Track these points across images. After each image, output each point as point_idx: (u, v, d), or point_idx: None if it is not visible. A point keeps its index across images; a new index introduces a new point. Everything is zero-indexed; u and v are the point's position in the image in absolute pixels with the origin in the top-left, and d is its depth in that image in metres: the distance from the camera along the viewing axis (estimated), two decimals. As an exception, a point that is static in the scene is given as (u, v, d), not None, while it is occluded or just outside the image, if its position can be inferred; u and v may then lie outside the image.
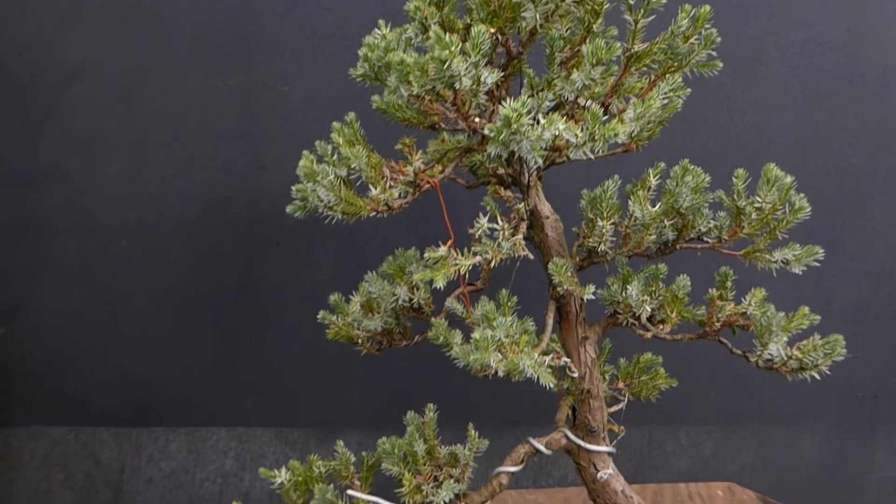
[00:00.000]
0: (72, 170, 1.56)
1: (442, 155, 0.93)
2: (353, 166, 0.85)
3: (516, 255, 0.85)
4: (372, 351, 1.06)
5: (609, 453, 0.99)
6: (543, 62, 0.89)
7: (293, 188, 0.86)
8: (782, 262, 0.88)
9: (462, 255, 0.81)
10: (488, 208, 0.87)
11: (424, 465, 0.97)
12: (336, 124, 0.90)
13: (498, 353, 0.81)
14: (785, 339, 0.93)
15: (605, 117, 0.72)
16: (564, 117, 0.72)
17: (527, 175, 0.93)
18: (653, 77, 0.88)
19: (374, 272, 1.01)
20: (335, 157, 0.89)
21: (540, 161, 0.71)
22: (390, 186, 0.86)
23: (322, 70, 1.55)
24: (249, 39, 1.54)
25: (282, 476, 1.01)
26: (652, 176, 0.91)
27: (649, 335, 0.94)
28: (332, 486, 0.97)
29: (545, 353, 0.85)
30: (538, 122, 0.68)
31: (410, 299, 1.00)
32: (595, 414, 0.97)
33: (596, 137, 0.69)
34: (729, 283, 0.97)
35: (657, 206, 0.90)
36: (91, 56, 1.54)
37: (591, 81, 0.79)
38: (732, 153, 1.61)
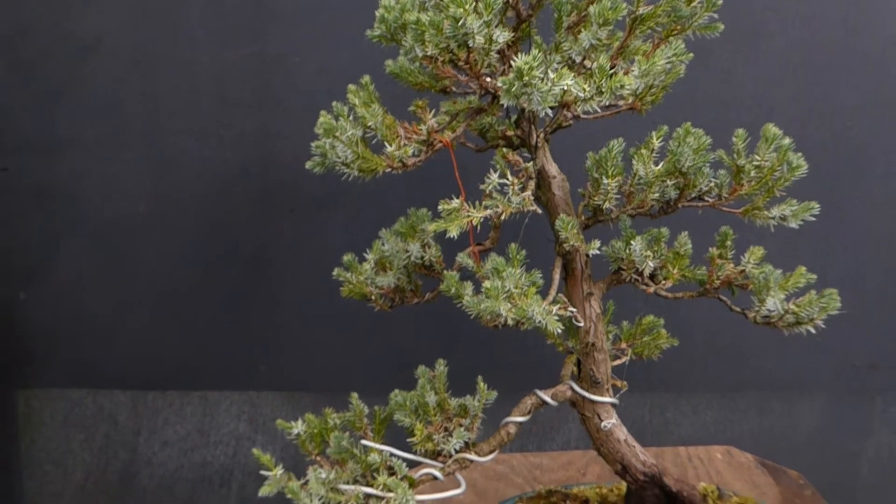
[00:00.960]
0: (90, 138, 1.60)
1: (453, 116, 0.97)
2: (369, 125, 0.89)
3: (525, 210, 0.89)
4: (385, 307, 1.09)
5: (612, 404, 1.03)
6: (551, 27, 0.93)
7: (313, 144, 0.90)
8: (780, 217, 0.91)
9: (474, 207, 0.85)
10: (498, 166, 0.91)
11: (435, 416, 1.01)
12: (352, 86, 0.93)
13: (507, 303, 0.84)
14: (782, 295, 0.96)
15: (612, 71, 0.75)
16: (573, 74, 0.75)
17: (535, 136, 0.97)
18: (656, 40, 0.92)
19: (387, 229, 1.05)
20: (351, 117, 0.93)
21: (549, 111, 0.75)
22: (404, 144, 0.90)
23: (334, 42, 1.58)
24: (262, 11, 1.57)
25: (298, 427, 1.05)
26: (655, 138, 0.95)
27: (651, 290, 0.98)
28: (347, 433, 1.01)
29: (552, 304, 0.89)
30: (548, 77, 0.71)
31: (422, 257, 1.04)
32: (599, 367, 1.01)
33: (603, 90, 0.73)
34: (728, 243, 1.01)
35: (660, 166, 0.94)
36: (108, 27, 1.58)
37: (598, 41, 0.83)
38: (732, 126, 1.63)
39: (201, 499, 1.76)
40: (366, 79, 0.95)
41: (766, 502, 1.23)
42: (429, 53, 0.85)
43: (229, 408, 1.73)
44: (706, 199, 0.97)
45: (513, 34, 0.85)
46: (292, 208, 1.63)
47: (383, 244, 1.05)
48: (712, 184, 0.96)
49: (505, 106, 0.96)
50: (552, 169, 0.99)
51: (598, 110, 0.77)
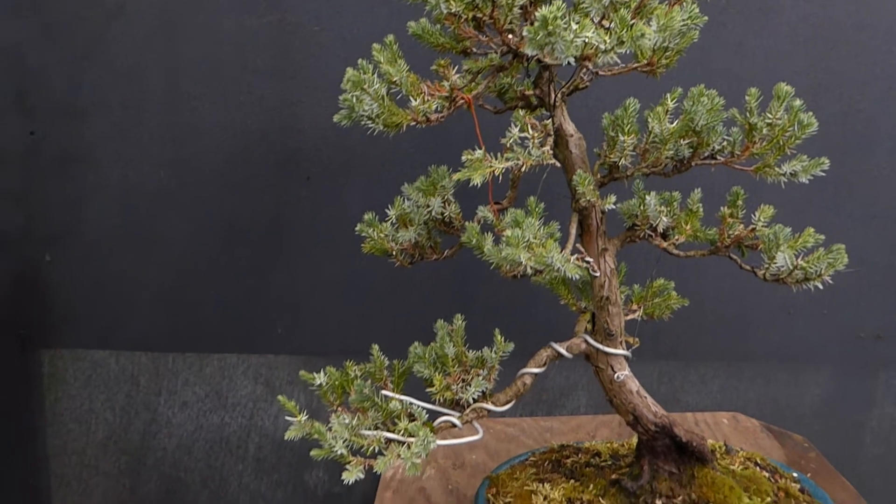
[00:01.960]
0: (114, 103, 1.63)
1: (474, 75, 1.00)
2: (394, 79, 0.92)
3: (544, 163, 0.92)
4: (405, 264, 1.13)
5: (625, 357, 1.06)
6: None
7: (340, 98, 0.93)
8: (790, 174, 0.95)
9: (496, 158, 0.88)
10: (518, 122, 0.94)
11: (454, 367, 1.04)
12: (376, 45, 0.96)
13: (527, 252, 0.88)
14: (791, 253, 0.99)
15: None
16: (594, 27, 0.78)
17: (553, 95, 1.00)
18: (672, 1, 0.95)
19: (409, 184, 1.08)
20: (375, 75, 0.96)
21: (572, 60, 0.78)
22: (428, 100, 0.93)
23: (353, 10, 1.61)
24: (283, -21, 1.60)
25: (320, 378, 1.08)
26: (670, 99, 0.98)
27: (664, 244, 1.01)
28: (369, 381, 1.04)
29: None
30: (571, 27, 0.74)
31: (442, 212, 1.07)
32: (613, 319, 1.04)
33: (623, 40, 0.76)
34: (740, 203, 1.04)
35: (675, 124, 0.97)
36: (132, -6, 1.61)
37: (617, 0, 0.85)
38: (743, 98, 1.65)
39: (219, 459, 1.81)
40: (389, 38, 0.98)
41: (774, 458, 1.26)
42: (453, 10, 0.88)
43: (247, 370, 1.77)
44: (719, 157, 1.00)
45: (535, -9, 0.88)
46: (309, 176, 1.67)
47: (405, 200, 1.09)
48: (725, 142, 0.99)
49: (526, 66, 0.99)
50: (569, 128, 1.02)
51: (619, 62, 0.79)
